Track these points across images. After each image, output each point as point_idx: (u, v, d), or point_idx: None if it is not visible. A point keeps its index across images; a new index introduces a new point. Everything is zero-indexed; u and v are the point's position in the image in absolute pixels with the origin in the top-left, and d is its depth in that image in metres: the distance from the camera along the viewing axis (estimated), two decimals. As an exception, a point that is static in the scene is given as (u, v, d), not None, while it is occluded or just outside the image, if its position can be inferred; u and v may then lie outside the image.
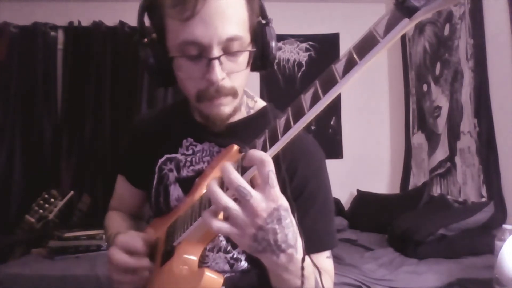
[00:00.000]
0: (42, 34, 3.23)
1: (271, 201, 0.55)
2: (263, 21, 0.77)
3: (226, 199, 0.56)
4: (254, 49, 0.76)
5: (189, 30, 0.69)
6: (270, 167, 0.55)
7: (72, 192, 2.64)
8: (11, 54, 3.19)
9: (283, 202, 0.56)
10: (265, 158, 0.55)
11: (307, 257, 0.63)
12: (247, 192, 0.55)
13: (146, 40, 0.76)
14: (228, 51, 0.71)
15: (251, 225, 0.56)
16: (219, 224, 0.57)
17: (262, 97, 0.91)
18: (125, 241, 0.76)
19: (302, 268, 0.59)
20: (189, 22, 0.68)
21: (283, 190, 0.64)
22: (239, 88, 0.77)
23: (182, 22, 0.68)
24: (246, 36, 0.73)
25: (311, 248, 0.62)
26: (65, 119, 3.24)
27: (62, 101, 3.27)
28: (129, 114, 3.18)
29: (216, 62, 0.70)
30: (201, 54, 0.71)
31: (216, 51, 0.70)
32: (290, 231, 0.57)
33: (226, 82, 0.73)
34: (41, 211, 2.40)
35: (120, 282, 0.75)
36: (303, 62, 3.52)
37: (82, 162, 3.20)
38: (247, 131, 0.82)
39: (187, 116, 0.88)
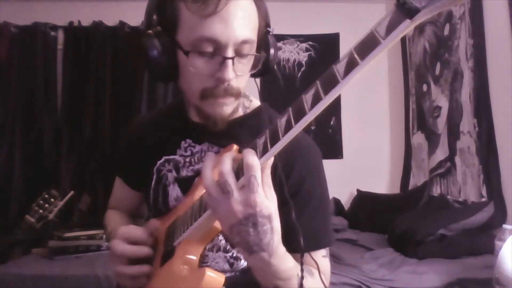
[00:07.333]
0: (42, 34, 3.23)
1: (249, 206, 0.56)
2: (267, 29, 0.80)
3: (212, 181, 0.58)
4: (265, 54, 0.79)
5: (208, 27, 0.69)
6: (253, 172, 0.55)
7: (72, 192, 2.63)
8: (11, 54, 3.18)
9: (264, 209, 0.56)
10: (251, 162, 0.55)
11: (292, 260, 0.64)
12: (230, 190, 0.56)
13: (151, 31, 0.75)
14: (240, 53, 0.73)
15: (227, 218, 0.58)
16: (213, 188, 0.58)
17: (261, 97, 0.91)
18: (127, 231, 0.76)
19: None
20: (209, 19, 0.69)
21: (279, 189, 0.64)
22: (242, 90, 0.79)
23: (202, 18, 0.69)
24: (256, 41, 0.76)
25: (306, 246, 0.62)
26: (65, 119, 3.23)
27: (62, 101, 3.26)
28: (129, 114, 3.17)
29: (229, 62, 0.71)
30: (216, 52, 0.71)
31: (231, 51, 0.71)
32: (266, 237, 0.58)
33: (234, 82, 0.74)
34: (41, 211, 2.40)
35: (122, 274, 0.75)
36: (303, 62, 3.52)
37: (82, 162, 3.19)
38: (244, 130, 0.83)
39: (184, 117, 0.88)
